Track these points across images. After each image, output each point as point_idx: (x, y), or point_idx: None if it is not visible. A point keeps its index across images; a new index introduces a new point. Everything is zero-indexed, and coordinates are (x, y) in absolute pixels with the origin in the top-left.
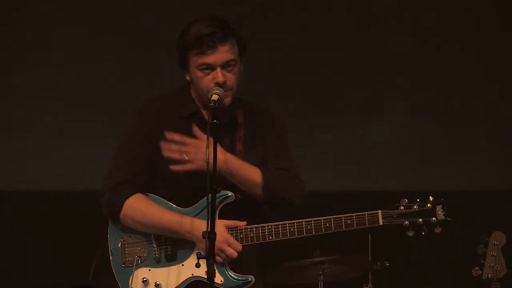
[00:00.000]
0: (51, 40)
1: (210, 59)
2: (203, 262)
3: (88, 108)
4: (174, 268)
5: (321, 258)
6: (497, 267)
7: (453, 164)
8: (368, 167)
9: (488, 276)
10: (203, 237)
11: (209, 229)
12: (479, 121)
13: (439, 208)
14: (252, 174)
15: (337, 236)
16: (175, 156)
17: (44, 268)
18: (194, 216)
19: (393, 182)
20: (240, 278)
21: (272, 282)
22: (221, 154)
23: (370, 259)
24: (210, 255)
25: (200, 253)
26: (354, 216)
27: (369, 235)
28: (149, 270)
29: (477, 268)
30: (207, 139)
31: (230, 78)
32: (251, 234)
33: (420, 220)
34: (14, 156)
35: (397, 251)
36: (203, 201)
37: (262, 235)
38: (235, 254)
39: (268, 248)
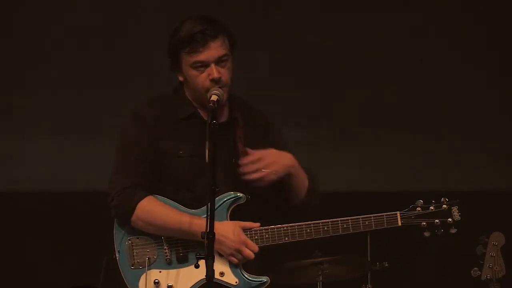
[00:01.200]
0: (52, 41)
1: (203, 56)
2: (201, 262)
3: (88, 109)
4: (186, 270)
5: (321, 259)
6: (496, 268)
7: (452, 165)
8: (368, 169)
9: (487, 276)
10: (202, 237)
11: (208, 230)
12: (478, 122)
13: (454, 209)
14: (305, 177)
15: (337, 237)
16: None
17: (44, 268)
18: (203, 218)
19: (393, 183)
20: (255, 279)
21: (271, 283)
22: (289, 156)
23: (369, 260)
24: (209, 255)
25: (200, 254)
26: (372, 217)
27: (368, 236)
28: (160, 272)
29: (476, 268)
30: (207, 140)
31: (224, 73)
32: (266, 235)
33: (437, 221)
34: (14, 156)
35: (396, 252)
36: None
37: (278, 236)
38: (252, 255)
39: (267, 248)
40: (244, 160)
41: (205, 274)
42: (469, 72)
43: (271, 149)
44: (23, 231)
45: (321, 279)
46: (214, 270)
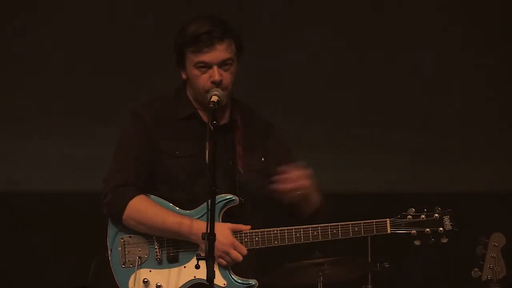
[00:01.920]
0: (52, 42)
1: (207, 57)
2: (202, 263)
3: (88, 110)
4: (175, 270)
5: (321, 259)
6: (497, 269)
7: (452, 165)
8: (368, 169)
9: (487, 277)
10: (203, 238)
11: (208, 230)
12: (478, 122)
13: (446, 219)
14: (318, 199)
15: None
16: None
17: (44, 268)
18: (197, 219)
19: (393, 184)
20: (243, 282)
21: (271, 284)
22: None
23: (369, 260)
24: (209, 256)
25: (200, 255)
26: (362, 224)
27: (369, 237)
28: (150, 271)
29: (476, 269)
30: (207, 140)
31: (226, 77)
32: (256, 238)
33: (428, 230)
34: (14, 157)
35: (397, 253)
36: (205, 204)
37: (267, 240)
38: (240, 257)
39: (267, 249)
40: (286, 174)
41: (194, 275)
42: (469, 72)
43: (307, 173)
44: (22, 232)
45: (321, 279)
46: (214, 271)
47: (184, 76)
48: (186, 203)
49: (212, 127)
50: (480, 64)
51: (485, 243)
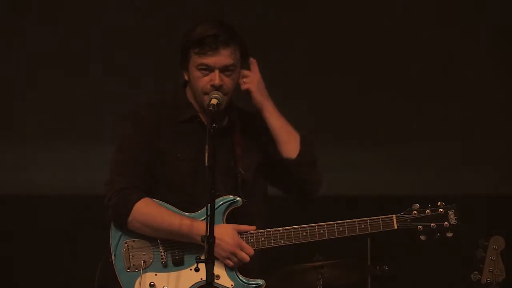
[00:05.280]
0: (53, 43)
1: (210, 60)
2: (202, 266)
3: (88, 112)
4: (182, 273)
5: (320, 263)
6: (496, 272)
7: (452, 168)
8: (368, 173)
9: (487, 280)
10: (202, 241)
11: (208, 233)
12: (479, 125)
13: (451, 213)
14: (293, 130)
15: (337, 240)
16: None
17: (45, 271)
18: (201, 221)
19: (393, 187)
20: (251, 282)
21: (271, 287)
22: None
23: (369, 264)
24: (209, 259)
25: (200, 257)
26: (368, 221)
27: (369, 240)
28: (156, 274)
29: (476, 272)
30: (207, 143)
31: (227, 82)
32: (262, 238)
33: (433, 224)
34: (15, 160)
35: (396, 256)
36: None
37: (273, 239)
38: (247, 258)
39: (267, 252)
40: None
41: (200, 277)
42: (469, 74)
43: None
44: (24, 235)
45: (321, 283)
46: (214, 274)
47: (186, 77)
48: (187, 205)
49: (211, 130)
50: (482, 65)
51: (485, 246)
